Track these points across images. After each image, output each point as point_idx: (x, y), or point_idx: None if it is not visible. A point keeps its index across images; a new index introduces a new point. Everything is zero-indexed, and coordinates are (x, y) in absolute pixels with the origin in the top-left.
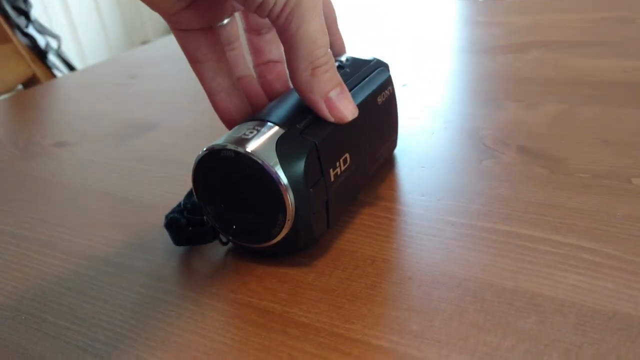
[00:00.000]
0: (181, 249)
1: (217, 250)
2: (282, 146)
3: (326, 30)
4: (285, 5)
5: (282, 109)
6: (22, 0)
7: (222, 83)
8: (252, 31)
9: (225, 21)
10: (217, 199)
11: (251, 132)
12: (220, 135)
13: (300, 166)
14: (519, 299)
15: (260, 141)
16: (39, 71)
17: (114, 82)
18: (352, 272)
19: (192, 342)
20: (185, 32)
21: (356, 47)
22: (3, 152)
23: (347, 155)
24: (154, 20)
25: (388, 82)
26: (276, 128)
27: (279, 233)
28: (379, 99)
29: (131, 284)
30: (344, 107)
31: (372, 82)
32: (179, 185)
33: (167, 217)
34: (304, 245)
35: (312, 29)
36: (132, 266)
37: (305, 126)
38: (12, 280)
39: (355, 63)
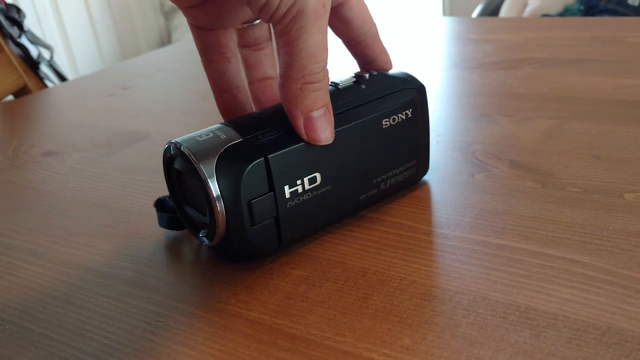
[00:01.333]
0: (169, 258)
1: (206, 261)
2: (228, 154)
3: (327, 46)
4: (288, 11)
5: (257, 119)
6: (15, 11)
7: (228, 83)
8: (247, 46)
9: (256, 22)
10: (178, 191)
11: (207, 135)
12: None
13: (237, 177)
14: (512, 313)
15: (207, 145)
16: (30, 81)
17: (106, 92)
18: (344, 284)
19: (181, 354)
20: (198, 28)
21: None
22: None
23: (316, 175)
24: (147, 33)
25: (408, 105)
26: (234, 135)
27: (213, 238)
28: (386, 122)
29: (119, 294)
30: (321, 129)
31: (383, 104)
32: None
33: (159, 198)
34: (247, 255)
35: (311, 42)
36: (120, 276)
37: (268, 138)
38: None
39: (380, 80)
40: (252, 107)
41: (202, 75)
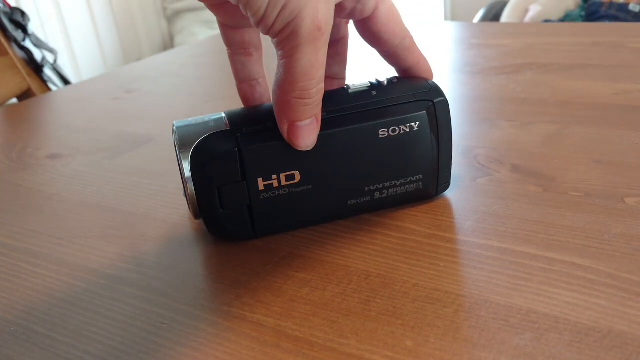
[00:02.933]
0: (174, 261)
1: (210, 265)
2: (208, 140)
3: (322, 65)
4: (282, 29)
5: (255, 111)
6: (19, 14)
7: (249, 75)
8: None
9: None
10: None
11: (201, 121)
12: None
13: (206, 163)
14: (513, 316)
15: (193, 131)
16: (34, 85)
17: (109, 96)
18: (347, 287)
19: (185, 356)
20: (224, 25)
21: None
22: None
23: (294, 172)
24: (150, 37)
25: (414, 119)
26: (222, 125)
27: (194, 215)
28: (383, 132)
29: (123, 296)
30: (303, 137)
31: (384, 113)
32: (172, 198)
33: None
34: (221, 236)
35: (304, 62)
36: (125, 278)
37: (252, 132)
38: (2, 291)
39: (397, 89)
40: (270, 99)
41: (205, 79)
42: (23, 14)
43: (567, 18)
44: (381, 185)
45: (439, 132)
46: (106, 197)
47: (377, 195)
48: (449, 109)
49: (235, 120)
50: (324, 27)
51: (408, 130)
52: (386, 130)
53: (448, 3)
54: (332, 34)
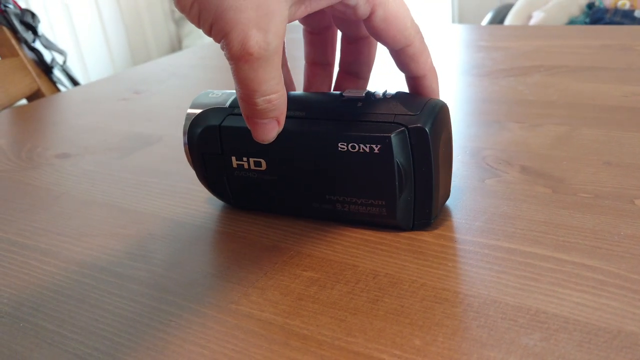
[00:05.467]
0: (181, 259)
1: (218, 263)
2: (210, 113)
3: (269, 80)
4: (220, 43)
5: None
6: (30, 15)
7: (317, 58)
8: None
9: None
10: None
11: (219, 97)
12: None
13: (197, 133)
14: (522, 316)
15: (207, 102)
16: (43, 85)
17: (118, 97)
18: (354, 286)
19: (193, 353)
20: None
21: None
22: (6, 162)
23: (261, 160)
24: (158, 39)
25: (377, 141)
26: (230, 103)
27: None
28: (342, 146)
29: (131, 293)
30: (259, 132)
31: (351, 129)
32: (180, 198)
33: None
34: (214, 193)
35: (241, 77)
36: (133, 276)
37: (240, 113)
38: (11, 288)
39: (383, 105)
40: (329, 87)
41: (213, 81)
42: (33, 15)
43: (570, 24)
44: (341, 198)
45: (414, 161)
46: (114, 196)
47: (338, 206)
48: (428, 138)
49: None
50: (256, 51)
51: (368, 150)
52: (345, 144)
53: (456, 6)
54: (351, 33)
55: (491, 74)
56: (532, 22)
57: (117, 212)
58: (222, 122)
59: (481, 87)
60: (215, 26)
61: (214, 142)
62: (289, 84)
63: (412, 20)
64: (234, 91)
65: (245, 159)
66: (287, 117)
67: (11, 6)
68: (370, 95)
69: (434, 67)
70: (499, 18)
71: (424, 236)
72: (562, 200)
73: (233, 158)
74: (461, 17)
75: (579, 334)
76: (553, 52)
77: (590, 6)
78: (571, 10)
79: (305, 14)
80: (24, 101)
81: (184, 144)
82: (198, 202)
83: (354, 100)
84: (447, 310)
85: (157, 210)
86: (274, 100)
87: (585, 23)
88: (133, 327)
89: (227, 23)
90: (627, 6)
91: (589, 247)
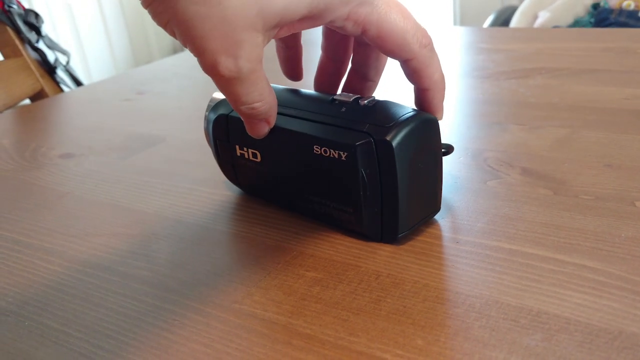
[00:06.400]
0: (185, 259)
1: (221, 263)
2: (225, 102)
3: (249, 94)
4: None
5: (282, 91)
6: (33, 16)
7: (329, 54)
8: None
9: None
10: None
11: None
12: None
13: (212, 120)
14: (524, 316)
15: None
16: (47, 86)
17: (121, 97)
18: (357, 286)
19: (196, 352)
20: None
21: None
22: (10, 162)
23: (257, 152)
24: (160, 41)
25: (343, 148)
26: None
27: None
28: (317, 149)
29: (135, 292)
30: (250, 128)
31: (325, 131)
32: (183, 198)
33: None
34: (226, 176)
35: (221, 89)
36: (137, 275)
37: None
38: (16, 287)
39: (363, 112)
40: (338, 84)
41: None
42: (37, 15)
43: (576, 24)
44: (317, 199)
45: (380, 174)
46: (118, 196)
47: (316, 207)
48: (393, 152)
49: None
50: (227, 74)
51: (337, 156)
52: (319, 148)
53: (457, 8)
54: (356, 38)
55: (492, 76)
56: (538, 22)
57: (120, 212)
58: (231, 111)
59: (482, 89)
60: (188, 47)
61: (223, 130)
62: (296, 73)
63: (416, 34)
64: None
65: (245, 149)
66: (280, 113)
67: (15, 6)
68: (357, 101)
69: (440, 82)
70: (500, 20)
71: (426, 237)
72: (563, 202)
73: (237, 147)
74: (463, 19)
75: (580, 334)
76: (554, 55)
77: (595, 6)
78: (576, 10)
79: (288, 34)
80: (27, 101)
81: (204, 128)
82: (201, 203)
83: (340, 104)
84: (449, 310)
85: (161, 210)
86: (257, 108)
87: (590, 23)
88: (137, 326)
89: (196, 49)
90: (632, 7)
91: (590, 248)
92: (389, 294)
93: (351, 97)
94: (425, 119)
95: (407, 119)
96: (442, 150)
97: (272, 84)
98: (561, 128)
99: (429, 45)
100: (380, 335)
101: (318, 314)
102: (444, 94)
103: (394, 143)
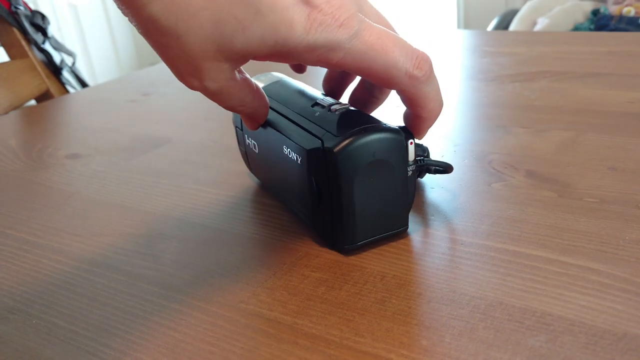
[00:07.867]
0: (191, 259)
1: (227, 263)
2: None
3: (233, 102)
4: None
5: (289, 89)
6: (40, 17)
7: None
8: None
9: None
10: None
11: (268, 80)
12: (229, 152)
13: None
14: (528, 318)
15: (258, 81)
16: (52, 87)
17: (127, 98)
18: (362, 287)
19: (202, 351)
20: None
21: None
22: (17, 162)
23: (255, 143)
24: None
25: (299, 152)
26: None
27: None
28: (286, 150)
29: (142, 292)
30: (246, 123)
31: (293, 134)
32: (189, 198)
33: None
34: (245, 162)
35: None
36: (143, 275)
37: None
38: (24, 286)
39: (330, 119)
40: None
41: None
42: (43, 17)
43: (575, 31)
44: (290, 197)
45: (329, 183)
46: (124, 196)
47: (293, 203)
48: (337, 161)
49: (268, 87)
50: (200, 90)
51: (295, 159)
52: (286, 148)
53: (461, 11)
54: None
55: (497, 79)
56: (537, 28)
57: (127, 213)
58: None
59: (487, 92)
60: (171, 70)
61: (238, 119)
62: (299, 67)
63: (404, 66)
64: (279, 77)
65: (250, 139)
66: (272, 109)
67: (22, 8)
68: (329, 107)
69: (434, 111)
70: (504, 23)
71: (431, 239)
72: (568, 205)
73: (246, 136)
74: (467, 22)
75: (585, 336)
76: (559, 58)
77: (595, 13)
78: (576, 16)
79: (264, 61)
80: (32, 102)
81: (232, 116)
82: (207, 203)
83: (317, 108)
84: (454, 311)
85: (167, 210)
86: (242, 112)
87: (590, 30)
88: (144, 325)
89: (167, 66)
90: (632, 13)
91: (595, 250)
92: (394, 295)
93: (328, 101)
94: (388, 134)
95: (363, 130)
96: (439, 168)
97: (278, 74)
98: (565, 131)
99: (423, 75)
100: (385, 336)
101: (323, 314)
102: (434, 121)
103: (338, 152)
